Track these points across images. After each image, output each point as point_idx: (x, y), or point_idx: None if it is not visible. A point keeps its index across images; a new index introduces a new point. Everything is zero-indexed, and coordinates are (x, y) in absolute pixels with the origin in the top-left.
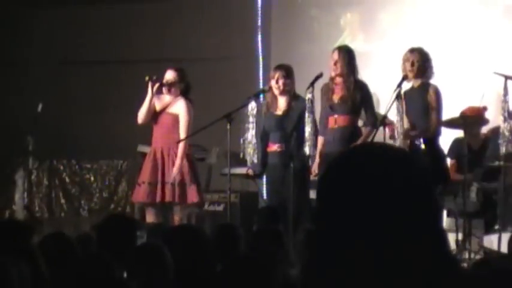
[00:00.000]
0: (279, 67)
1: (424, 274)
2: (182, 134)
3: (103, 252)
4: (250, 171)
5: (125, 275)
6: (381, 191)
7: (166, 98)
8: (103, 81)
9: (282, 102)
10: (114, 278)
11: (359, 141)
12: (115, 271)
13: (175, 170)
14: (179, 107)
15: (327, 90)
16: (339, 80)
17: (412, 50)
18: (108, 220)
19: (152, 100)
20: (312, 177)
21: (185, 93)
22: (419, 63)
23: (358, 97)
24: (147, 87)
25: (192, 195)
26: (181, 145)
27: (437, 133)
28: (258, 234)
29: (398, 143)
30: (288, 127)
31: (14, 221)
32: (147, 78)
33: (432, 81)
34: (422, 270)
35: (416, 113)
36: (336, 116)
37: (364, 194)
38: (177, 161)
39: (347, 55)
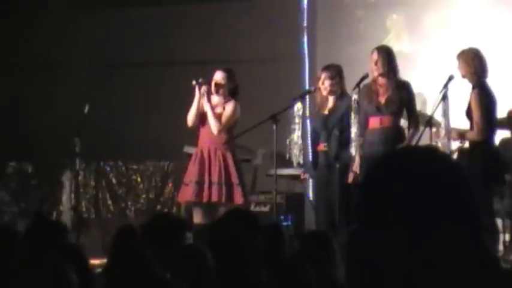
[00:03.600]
0: (325, 68)
1: (466, 272)
2: (222, 122)
3: (144, 250)
4: (307, 176)
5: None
6: (425, 193)
7: (215, 99)
8: (149, 83)
9: (330, 102)
10: (155, 276)
11: (405, 144)
12: (156, 269)
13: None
14: (227, 107)
15: (369, 92)
16: (382, 81)
17: (460, 52)
18: (155, 220)
19: (200, 102)
20: (351, 178)
21: (233, 94)
22: (461, 64)
23: (405, 97)
24: (194, 90)
25: (238, 197)
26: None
27: (484, 135)
28: (306, 237)
29: (443, 143)
30: (330, 126)
31: (50, 221)
32: (194, 82)
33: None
34: (464, 269)
35: (468, 116)
36: (381, 116)
37: (408, 196)
38: (209, 112)
39: (386, 54)
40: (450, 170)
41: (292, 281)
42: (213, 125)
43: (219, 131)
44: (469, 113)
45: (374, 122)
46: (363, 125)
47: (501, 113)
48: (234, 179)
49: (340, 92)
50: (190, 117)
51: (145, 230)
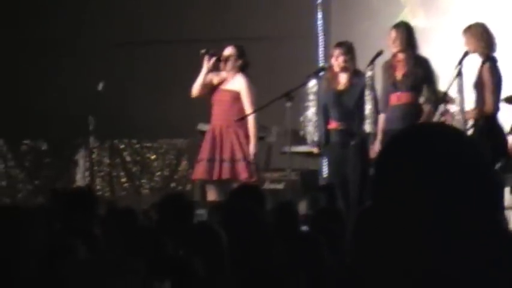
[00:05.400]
0: (339, 44)
1: (484, 250)
2: (248, 110)
3: (154, 227)
4: (316, 150)
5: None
6: (440, 171)
7: (223, 74)
8: (163, 60)
9: (342, 79)
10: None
11: (421, 121)
12: (169, 248)
13: (251, 148)
14: (239, 84)
15: (389, 67)
16: (401, 56)
17: (467, 27)
18: (166, 200)
19: (207, 74)
20: (373, 155)
21: (243, 70)
22: (470, 39)
23: (420, 73)
24: (202, 60)
25: (248, 173)
26: (251, 123)
27: (494, 110)
28: (319, 213)
29: (457, 120)
30: (349, 103)
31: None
32: (203, 51)
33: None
34: (482, 246)
35: (477, 89)
36: (398, 93)
37: (423, 172)
38: (252, 140)
39: (405, 31)
40: (465, 147)
41: (306, 255)
42: (195, 88)
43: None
44: (477, 86)
45: (393, 99)
46: (384, 102)
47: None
48: (246, 155)
49: (353, 69)
50: (195, 86)
51: (157, 211)
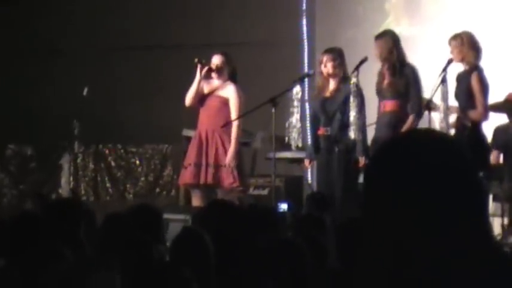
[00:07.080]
0: (327, 51)
1: (471, 259)
2: (236, 113)
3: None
4: (307, 163)
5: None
6: (428, 178)
7: (215, 82)
8: (149, 66)
9: (331, 86)
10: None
11: (403, 129)
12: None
13: (230, 153)
14: (229, 91)
15: (379, 75)
16: (387, 65)
17: (455, 36)
18: (132, 212)
19: (200, 83)
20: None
21: (233, 77)
22: (460, 48)
23: (403, 81)
24: (195, 69)
25: (234, 179)
26: (234, 128)
27: (482, 119)
28: (303, 220)
29: (441, 127)
30: (333, 109)
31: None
32: (196, 60)
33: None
34: (469, 255)
35: (462, 98)
36: (384, 101)
37: (411, 181)
38: (232, 145)
39: (385, 41)
40: (452, 153)
41: (287, 260)
42: (188, 97)
43: (238, 125)
44: (461, 94)
45: (381, 107)
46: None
47: (498, 97)
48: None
49: (342, 75)
50: (189, 96)
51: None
